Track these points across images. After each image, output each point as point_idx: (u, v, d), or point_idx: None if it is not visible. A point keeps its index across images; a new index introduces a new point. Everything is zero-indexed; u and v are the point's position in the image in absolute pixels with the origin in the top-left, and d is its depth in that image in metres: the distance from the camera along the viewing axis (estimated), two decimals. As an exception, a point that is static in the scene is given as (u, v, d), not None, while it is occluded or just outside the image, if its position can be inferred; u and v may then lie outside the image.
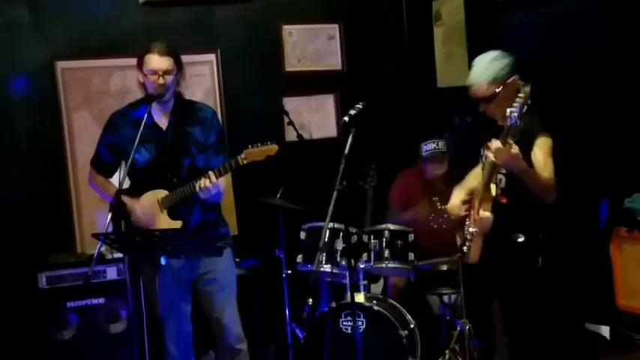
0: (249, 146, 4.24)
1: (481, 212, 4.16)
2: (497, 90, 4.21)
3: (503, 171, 4.18)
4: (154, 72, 4.40)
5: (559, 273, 4.44)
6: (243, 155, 4.25)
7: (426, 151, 5.81)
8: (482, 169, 4.30)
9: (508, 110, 3.85)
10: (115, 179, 4.60)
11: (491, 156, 4.01)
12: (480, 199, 4.16)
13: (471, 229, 4.29)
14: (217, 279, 4.63)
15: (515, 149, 3.91)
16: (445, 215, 5.48)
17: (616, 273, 4.90)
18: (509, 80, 4.19)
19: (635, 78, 4.89)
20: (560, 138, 4.16)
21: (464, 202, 4.41)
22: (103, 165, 4.67)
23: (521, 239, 4.17)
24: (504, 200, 4.14)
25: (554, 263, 4.31)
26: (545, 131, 4.13)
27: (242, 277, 4.79)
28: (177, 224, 4.45)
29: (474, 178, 4.46)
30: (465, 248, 4.35)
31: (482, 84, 4.24)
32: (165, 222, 4.46)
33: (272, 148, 4.27)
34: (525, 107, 3.86)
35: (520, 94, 3.87)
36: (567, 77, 5.23)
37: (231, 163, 4.29)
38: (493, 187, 4.10)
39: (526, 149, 4.06)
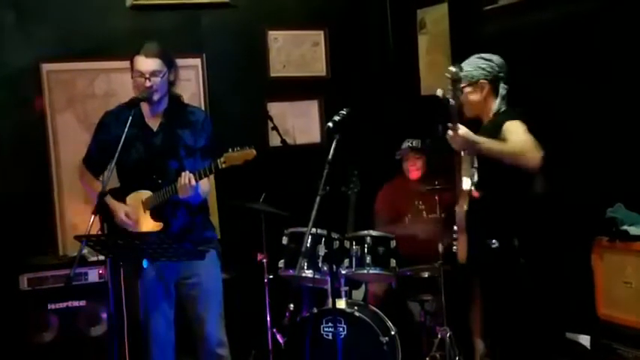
0: (229, 150, 4.23)
1: (456, 207, 4.21)
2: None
3: (475, 164, 4.22)
4: (140, 74, 4.38)
5: (539, 281, 4.45)
6: (222, 159, 4.22)
7: (401, 149, 5.96)
8: None
9: (439, 91, 3.99)
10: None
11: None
12: (458, 195, 4.21)
13: (454, 227, 4.33)
14: (201, 282, 4.60)
15: (462, 129, 3.97)
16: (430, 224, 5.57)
17: (597, 282, 4.91)
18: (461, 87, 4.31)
19: (619, 87, 4.91)
20: (542, 146, 4.18)
21: None
22: (93, 163, 4.65)
23: (495, 245, 4.20)
24: (476, 194, 4.18)
25: (533, 271, 4.33)
26: (513, 119, 4.19)
27: (223, 281, 4.78)
28: (158, 226, 4.44)
29: None
30: (454, 248, 4.38)
31: None
32: (146, 223, 4.45)
33: (250, 153, 4.23)
34: (457, 88, 4.03)
35: (447, 75, 4.00)
36: (551, 86, 5.25)
37: (210, 166, 4.27)
38: (467, 181, 4.13)
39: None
